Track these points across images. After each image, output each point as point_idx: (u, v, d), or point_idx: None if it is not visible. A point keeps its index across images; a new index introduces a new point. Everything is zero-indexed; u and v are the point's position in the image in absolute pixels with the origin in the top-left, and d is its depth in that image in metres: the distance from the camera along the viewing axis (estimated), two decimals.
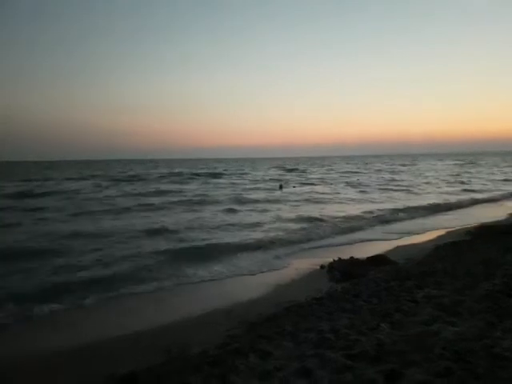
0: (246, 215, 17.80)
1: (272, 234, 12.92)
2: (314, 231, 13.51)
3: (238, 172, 60.26)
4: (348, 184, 35.62)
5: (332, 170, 66.62)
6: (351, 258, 8.74)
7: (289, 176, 50.41)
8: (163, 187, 32.65)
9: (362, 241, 12.33)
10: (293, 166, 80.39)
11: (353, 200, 23.62)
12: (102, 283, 7.94)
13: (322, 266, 8.84)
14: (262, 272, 9.08)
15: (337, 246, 11.70)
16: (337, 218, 16.17)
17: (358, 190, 30.07)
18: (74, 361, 5.03)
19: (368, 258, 8.93)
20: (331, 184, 36.20)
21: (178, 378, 4.10)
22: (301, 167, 76.64)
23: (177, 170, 62.71)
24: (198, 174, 53.48)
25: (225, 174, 54.26)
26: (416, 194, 26.72)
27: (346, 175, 49.98)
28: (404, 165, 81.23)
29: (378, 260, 8.71)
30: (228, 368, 4.10)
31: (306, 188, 32.40)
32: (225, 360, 4.31)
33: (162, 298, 7.47)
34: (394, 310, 5.34)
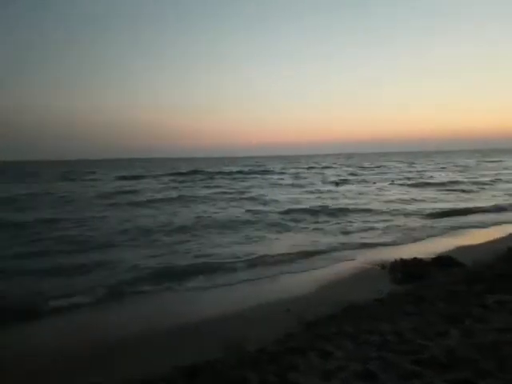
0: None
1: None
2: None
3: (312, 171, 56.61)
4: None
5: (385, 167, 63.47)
6: (414, 258, 8.31)
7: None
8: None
9: (425, 239, 11.75)
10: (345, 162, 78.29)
11: None
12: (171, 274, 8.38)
13: (383, 266, 8.50)
14: (316, 269, 8.98)
15: (398, 245, 11.19)
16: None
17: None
18: (142, 347, 5.24)
19: (433, 258, 8.45)
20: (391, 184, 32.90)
21: (237, 374, 4.11)
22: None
23: (247, 169, 62.39)
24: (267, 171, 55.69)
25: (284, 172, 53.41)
26: None
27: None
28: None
29: (443, 261, 8.20)
30: (287, 365, 4.05)
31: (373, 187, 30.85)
32: (283, 357, 4.26)
33: (220, 291, 7.60)
34: (464, 315, 4.99)
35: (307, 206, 18.90)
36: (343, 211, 17.35)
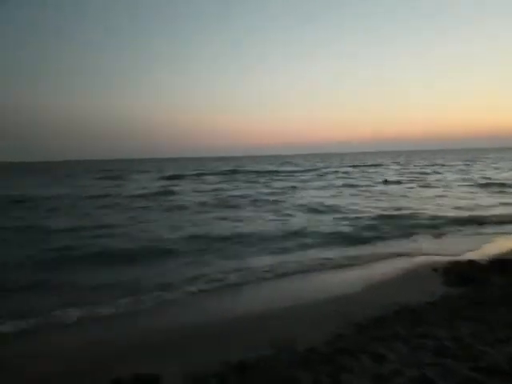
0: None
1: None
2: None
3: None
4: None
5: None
6: (469, 260, 7.91)
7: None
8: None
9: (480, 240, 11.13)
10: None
11: None
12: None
13: (435, 269, 8.15)
14: (363, 266, 8.89)
15: (452, 244, 10.69)
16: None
17: None
18: (194, 341, 5.39)
19: (490, 261, 7.99)
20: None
21: (287, 372, 4.12)
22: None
23: (292, 168, 61.83)
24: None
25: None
26: None
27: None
28: None
29: (502, 264, 7.74)
30: (339, 367, 4.00)
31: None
32: (335, 358, 4.22)
33: (267, 287, 7.71)
34: None
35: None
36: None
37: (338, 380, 3.75)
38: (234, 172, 53.27)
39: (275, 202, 21.65)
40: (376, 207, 18.24)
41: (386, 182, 32.39)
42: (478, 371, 3.58)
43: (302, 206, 19.55)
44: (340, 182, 33.89)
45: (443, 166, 57.59)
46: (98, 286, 7.84)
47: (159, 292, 7.44)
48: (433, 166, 58.68)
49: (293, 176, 45.15)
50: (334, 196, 24.20)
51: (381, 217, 15.26)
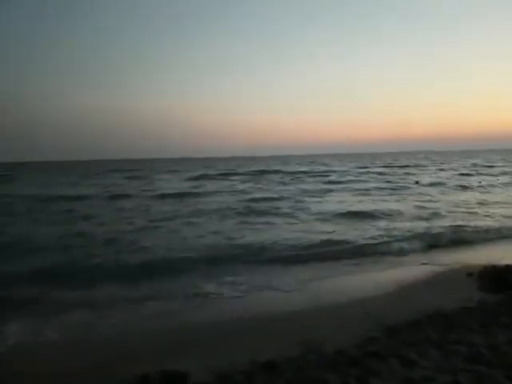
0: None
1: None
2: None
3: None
4: None
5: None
6: (507, 265, 7.59)
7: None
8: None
9: None
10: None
11: None
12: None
13: (470, 274, 7.88)
14: (394, 269, 8.68)
15: (488, 249, 10.31)
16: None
17: None
18: (222, 340, 5.46)
19: None
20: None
21: (315, 373, 4.11)
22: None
23: (323, 168, 59.62)
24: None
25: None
26: None
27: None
28: None
29: None
30: (368, 370, 3.96)
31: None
32: (364, 362, 4.18)
33: (299, 289, 7.67)
34: None
35: None
36: None
37: (367, 383, 3.71)
38: (263, 172, 53.01)
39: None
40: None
41: (417, 183, 31.57)
42: None
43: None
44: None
45: (483, 166, 54.56)
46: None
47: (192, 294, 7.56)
48: (474, 167, 55.30)
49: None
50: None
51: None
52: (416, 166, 61.91)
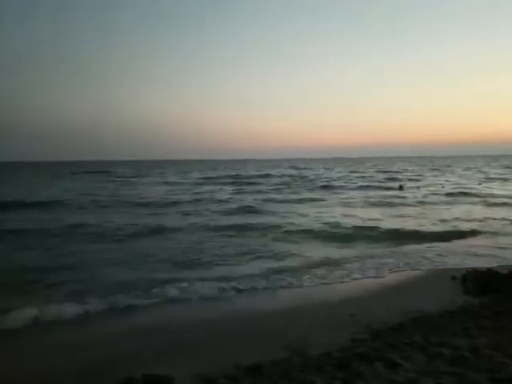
0: None
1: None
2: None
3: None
4: None
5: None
6: (489, 269, 7.73)
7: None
8: None
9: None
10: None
11: None
12: None
13: (453, 277, 8.00)
14: (380, 276, 8.64)
15: (472, 254, 10.44)
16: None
17: None
18: (207, 343, 5.41)
19: (510, 271, 7.79)
20: None
21: (301, 376, 4.10)
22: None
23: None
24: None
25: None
26: None
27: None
28: None
29: None
30: (353, 373, 3.97)
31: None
32: (349, 364, 4.19)
33: (285, 294, 7.64)
34: None
35: None
36: None
37: None
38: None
39: None
40: None
41: (400, 187, 32.00)
42: (496, 382, 3.51)
43: None
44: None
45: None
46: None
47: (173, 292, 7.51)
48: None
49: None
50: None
51: None
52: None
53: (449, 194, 26.25)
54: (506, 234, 13.04)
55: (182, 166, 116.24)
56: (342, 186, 35.35)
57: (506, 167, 66.79)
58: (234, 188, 34.00)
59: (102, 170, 76.52)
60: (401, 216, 17.45)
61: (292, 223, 15.52)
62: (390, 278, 8.51)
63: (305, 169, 77.41)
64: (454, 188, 30.46)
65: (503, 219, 15.86)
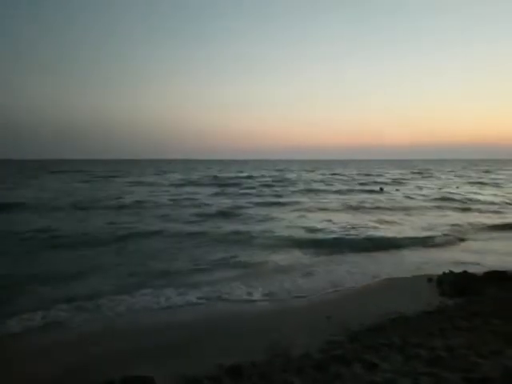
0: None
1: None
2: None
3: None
4: None
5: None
6: (464, 271, 7.92)
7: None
8: None
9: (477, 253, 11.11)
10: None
11: None
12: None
13: (430, 279, 8.16)
14: (356, 282, 8.59)
15: (446, 258, 10.66)
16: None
17: None
18: (189, 344, 5.38)
19: (485, 273, 8.02)
20: None
21: (281, 377, 4.12)
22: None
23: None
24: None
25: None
26: None
27: None
28: None
29: (497, 276, 7.77)
30: (332, 374, 4.01)
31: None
32: (328, 366, 4.23)
33: (263, 299, 7.59)
34: None
35: None
36: None
37: None
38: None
39: None
40: None
41: (381, 189, 32.47)
42: (471, 382, 3.59)
43: None
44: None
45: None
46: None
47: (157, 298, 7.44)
48: None
49: None
50: None
51: None
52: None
53: (427, 198, 26.70)
54: (481, 240, 13.33)
55: (163, 165, 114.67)
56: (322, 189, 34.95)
57: (485, 171, 68.28)
58: (214, 191, 33.34)
59: (81, 169, 74.77)
60: (379, 221, 17.47)
61: (268, 230, 14.82)
62: (366, 282, 8.50)
63: (287, 170, 77.18)
64: (433, 192, 31.01)
65: (481, 224, 16.22)
